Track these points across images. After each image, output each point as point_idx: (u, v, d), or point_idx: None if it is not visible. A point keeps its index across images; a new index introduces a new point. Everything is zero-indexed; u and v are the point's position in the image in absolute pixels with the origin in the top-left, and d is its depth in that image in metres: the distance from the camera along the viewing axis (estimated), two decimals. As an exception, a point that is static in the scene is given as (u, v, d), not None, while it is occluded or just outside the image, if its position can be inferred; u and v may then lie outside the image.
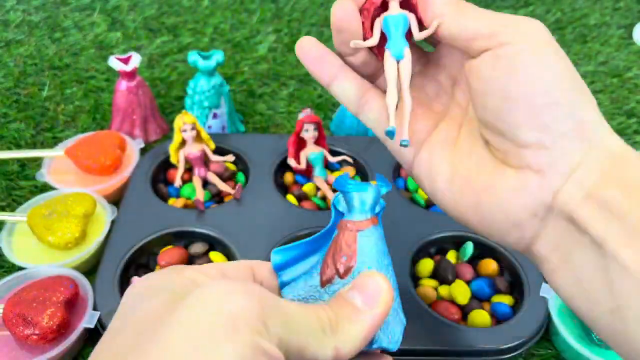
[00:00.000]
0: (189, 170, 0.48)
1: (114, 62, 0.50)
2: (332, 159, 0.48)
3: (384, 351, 0.23)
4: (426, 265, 0.41)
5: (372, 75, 0.29)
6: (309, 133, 0.46)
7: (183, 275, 0.21)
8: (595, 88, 0.63)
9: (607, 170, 0.21)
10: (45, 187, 0.47)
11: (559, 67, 0.22)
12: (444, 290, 0.40)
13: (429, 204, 0.46)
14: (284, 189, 0.47)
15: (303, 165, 0.46)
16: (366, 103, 0.28)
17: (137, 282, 0.21)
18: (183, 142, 0.46)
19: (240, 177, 0.48)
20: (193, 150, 0.45)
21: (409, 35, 0.27)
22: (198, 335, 0.16)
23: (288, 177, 0.48)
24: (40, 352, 0.34)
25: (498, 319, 0.38)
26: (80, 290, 0.37)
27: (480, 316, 0.38)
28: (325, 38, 0.71)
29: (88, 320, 0.35)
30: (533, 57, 0.22)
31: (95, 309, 0.36)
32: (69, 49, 0.68)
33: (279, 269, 0.24)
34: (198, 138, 0.46)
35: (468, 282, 0.40)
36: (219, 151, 0.49)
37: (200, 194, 0.44)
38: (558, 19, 0.77)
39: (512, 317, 0.37)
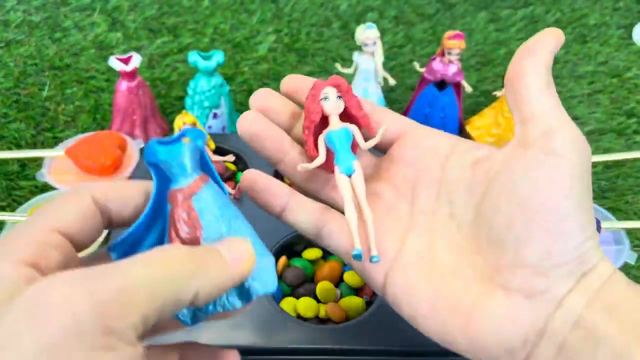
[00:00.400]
0: (189, 170, 0.48)
1: (114, 63, 0.50)
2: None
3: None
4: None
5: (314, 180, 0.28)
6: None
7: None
8: (595, 88, 0.63)
9: (594, 296, 0.21)
10: (46, 187, 0.47)
11: (584, 195, 0.22)
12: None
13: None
14: (284, 189, 0.47)
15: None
16: (324, 226, 0.27)
17: None
18: (183, 142, 0.46)
19: (240, 177, 0.48)
20: (193, 150, 0.46)
21: (354, 146, 0.26)
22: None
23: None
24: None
25: None
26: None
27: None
28: (325, 38, 0.72)
29: (88, 320, 0.35)
30: (570, 179, 0.22)
31: (95, 308, 0.36)
32: (69, 49, 0.68)
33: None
34: (198, 138, 0.46)
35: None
36: (219, 151, 0.49)
37: (200, 194, 0.44)
38: (558, 19, 0.77)
39: None
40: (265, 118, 0.28)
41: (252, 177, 0.27)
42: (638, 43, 0.71)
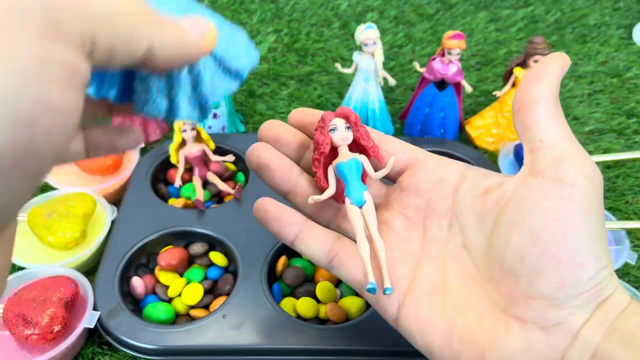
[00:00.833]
0: (189, 170, 0.48)
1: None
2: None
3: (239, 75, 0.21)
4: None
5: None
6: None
7: None
8: (595, 88, 0.63)
9: (611, 327, 0.21)
10: (46, 187, 0.47)
11: (597, 224, 0.22)
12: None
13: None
14: (284, 189, 0.47)
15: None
16: (335, 256, 0.27)
17: None
18: (183, 142, 0.46)
19: (240, 177, 0.48)
20: (193, 150, 0.46)
21: (364, 176, 0.26)
22: None
23: (288, 177, 0.48)
24: (40, 352, 0.34)
25: None
26: (80, 290, 0.37)
27: None
28: (325, 38, 0.71)
29: (88, 320, 0.35)
30: (582, 208, 0.21)
31: (95, 309, 0.36)
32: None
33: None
34: (198, 138, 0.46)
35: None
36: (219, 151, 0.49)
37: (200, 194, 0.44)
38: (558, 19, 0.77)
39: None
40: (274, 149, 0.28)
41: (264, 205, 0.28)
42: (638, 43, 0.71)
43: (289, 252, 0.42)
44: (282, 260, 0.40)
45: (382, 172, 0.26)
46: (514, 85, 0.52)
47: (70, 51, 0.14)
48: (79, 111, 0.15)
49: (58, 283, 0.36)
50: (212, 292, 0.39)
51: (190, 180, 0.47)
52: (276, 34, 0.72)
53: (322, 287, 0.38)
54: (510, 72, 0.52)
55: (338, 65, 0.53)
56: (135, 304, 0.38)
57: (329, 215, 0.28)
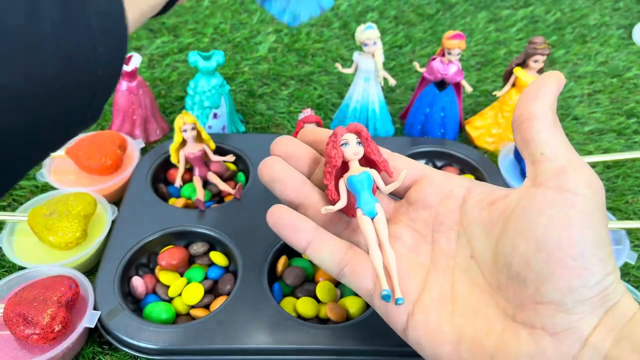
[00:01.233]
0: (189, 170, 0.48)
1: (114, 62, 0.50)
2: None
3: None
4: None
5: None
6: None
7: None
8: (595, 88, 0.63)
9: (621, 334, 0.21)
10: (46, 187, 0.47)
11: (601, 230, 0.22)
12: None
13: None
14: (284, 189, 0.47)
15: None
16: (346, 265, 0.27)
17: None
18: (183, 142, 0.46)
19: (241, 177, 0.48)
20: (193, 150, 0.46)
21: (373, 190, 0.27)
22: None
23: (288, 177, 0.48)
24: (40, 352, 0.34)
25: None
26: (80, 290, 0.37)
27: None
28: (325, 38, 0.72)
29: (88, 319, 0.35)
30: (585, 215, 0.22)
31: (95, 308, 0.36)
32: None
33: None
34: (198, 138, 0.46)
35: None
36: (219, 151, 0.49)
37: (200, 194, 0.44)
38: (557, 19, 0.77)
39: None
40: (286, 163, 0.29)
41: (278, 213, 0.28)
42: (638, 43, 0.71)
43: (290, 252, 0.42)
44: (283, 260, 0.40)
45: (394, 185, 0.27)
46: (513, 85, 0.52)
47: None
48: None
49: (58, 283, 0.36)
50: (212, 292, 0.39)
51: (191, 180, 0.47)
52: (276, 34, 0.72)
53: (323, 287, 0.38)
54: (510, 72, 0.52)
55: (338, 65, 0.53)
56: (135, 304, 0.38)
57: (339, 229, 0.29)
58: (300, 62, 0.67)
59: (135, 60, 0.51)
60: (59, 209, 0.40)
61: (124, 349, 0.35)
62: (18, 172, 0.19)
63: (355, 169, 0.27)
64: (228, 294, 0.38)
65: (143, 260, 0.41)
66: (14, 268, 0.41)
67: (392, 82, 0.53)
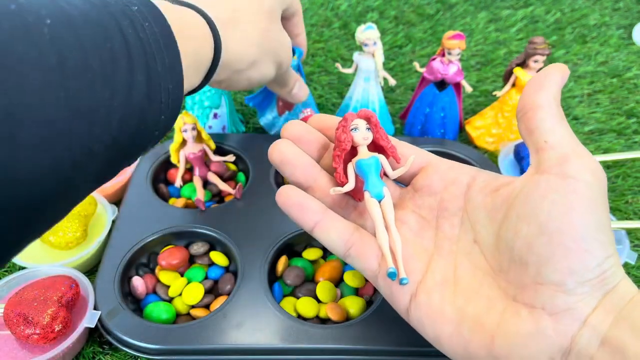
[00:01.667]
0: (189, 170, 0.48)
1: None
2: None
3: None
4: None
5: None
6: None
7: None
8: (595, 88, 0.63)
9: (620, 315, 0.21)
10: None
11: (602, 215, 0.23)
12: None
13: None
14: (284, 189, 0.47)
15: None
16: (352, 246, 0.28)
17: None
18: (184, 142, 0.46)
19: (241, 177, 0.48)
20: (193, 150, 0.46)
21: (381, 176, 0.28)
22: None
23: (288, 177, 0.48)
24: (41, 352, 0.34)
25: None
26: (81, 290, 0.37)
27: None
28: (325, 38, 0.72)
29: (89, 319, 0.35)
30: (587, 200, 0.22)
31: (95, 308, 0.36)
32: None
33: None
34: (199, 138, 0.46)
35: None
36: (219, 151, 0.49)
37: (200, 194, 0.44)
38: (558, 19, 0.77)
39: None
40: (295, 146, 0.30)
41: (286, 192, 0.29)
42: (638, 43, 0.71)
43: (290, 252, 0.42)
44: (283, 260, 0.40)
45: (401, 170, 0.28)
46: (513, 85, 0.52)
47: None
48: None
49: (59, 283, 0.36)
50: (212, 291, 0.39)
51: (191, 180, 0.47)
52: (276, 34, 0.72)
53: (323, 287, 0.38)
54: (510, 72, 0.52)
55: (338, 66, 0.53)
56: (135, 304, 0.38)
57: (347, 212, 0.30)
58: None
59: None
60: (59, 209, 0.40)
61: (124, 348, 0.35)
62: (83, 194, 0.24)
63: (364, 153, 0.28)
64: (228, 294, 0.38)
65: (143, 260, 0.41)
66: (14, 268, 0.42)
67: (392, 82, 0.53)
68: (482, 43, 0.72)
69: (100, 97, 0.21)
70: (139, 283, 0.39)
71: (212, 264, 0.41)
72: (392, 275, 0.26)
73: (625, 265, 0.43)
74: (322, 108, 0.60)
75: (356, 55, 0.51)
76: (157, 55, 0.24)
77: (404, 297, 0.26)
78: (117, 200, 0.47)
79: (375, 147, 0.29)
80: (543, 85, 0.25)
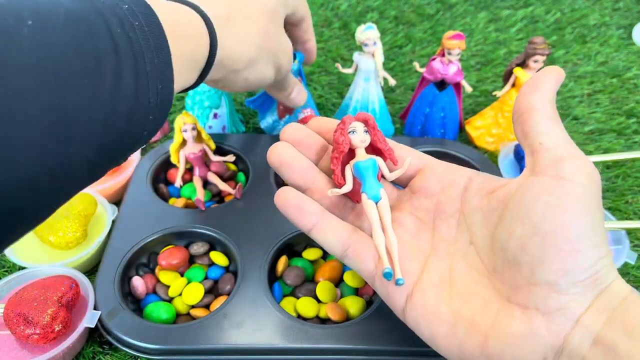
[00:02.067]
0: (189, 170, 0.48)
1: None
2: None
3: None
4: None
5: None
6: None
7: None
8: (594, 88, 0.63)
9: (612, 315, 0.22)
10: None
11: (596, 217, 0.23)
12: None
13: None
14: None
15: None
16: (349, 247, 0.28)
17: None
18: (184, 142, 0.46)
19: (241, 177, 0.48)
20: (193, 150, 0.46)
21: (378, 178, 0.28)
22: None
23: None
24: (41, 352, 0.34)
25: None
26: (81, 290, 0.37)
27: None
28: (325, 38, 0.72)
29: (89, 319, 0.35)
30: (581, 202, 0.23)
31: (95, 308, 0.36)
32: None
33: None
34: (199, 138, 0.46)
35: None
36: (219, 151, 0.49)
37: (200, 194, 0.44)
38: (557, 19, 0.77)
39: None
40: (294, 149, 0.30)
41: (285, 194, 0.29)
42: (638, 43, 0.71)
43: (290, 252, 0.42)
44: (283, 260, 0.40)
45: (398, 172, 0.29)
46: (513, 85, 0.52)
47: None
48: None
49: (59, 283, 0.36)
50: (212, 291, 0.39)
51: (191, 180, 0.47)
52: (276, 34, 0.72)
53: (323, 287, 0.38)
54: (510, 72, 0.52)
55: (338, 66, 0.53)
56: (135, 304, 0.38)
57: (344, 213, 0.30)
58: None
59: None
60: (59, 209, 0.40)
61: (124, 348, 0.35)
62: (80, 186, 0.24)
63: (361, 155, 0.28)
64: (228, 294, 0.38)
65: (143, 260, 0.41)
66: (14, 268, 0.42)
67: (392, 82, 0.53)
68: (482, 43, 0.72)
69: (82, 98, 0.20)
70: (139, 283, 0.39)
71: (212, 264, 0.41)
72: (387, 276, 0.26)
73: (625, 265, 0.43)
74: (322, 108, 0.60)
75: (356, 55, 0.51)
76: (147, 54, 0.24)
77: (400, 297, 0.27)
78: (117, 200, 0.47)
79: (372, 149, 0.29)
80: (538, 88, 0.25)
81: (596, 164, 0.53)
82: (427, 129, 0.54)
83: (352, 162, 0.29)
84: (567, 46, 0.71)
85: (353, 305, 0.37)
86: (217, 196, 0.47)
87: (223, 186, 0.46)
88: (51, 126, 0.19)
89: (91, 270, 0.42)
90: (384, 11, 0.78)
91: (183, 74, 0.28)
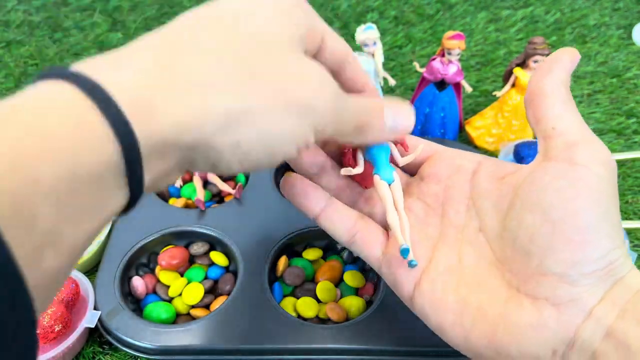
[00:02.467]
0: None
1: (114, 63, 0.50)
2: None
3: None
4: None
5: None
6: None
7: None
8: (594, 88, 0.63)
9: (626, 307, 0.21)
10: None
11: (610, 205, 0.22)
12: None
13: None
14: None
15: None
16: (357, 233, 0.28)
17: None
18: (183, 142, 0.46)
19: (241, 177, 0.48)
20: (193, 150, 0.46)
21: (391, 161, 0.28)
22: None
23: (288, 177, 0.48)
24: (41, 352, 0.34)
25: None
26: (81, 290, 0.37)
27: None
28: (325, 38, 0.72)
29: (89, 319, 0.35)
30: (595, 189, 0.22)
31: (95, 308, 0.36)
32: (69, 50, 0.68)
33: None
34: (198, 138, 0.46)
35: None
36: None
37: (200, 194, 0.44)
38: (557, 20, 0.77)
39: None
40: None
41: (292, 180, 0.28)
42: (638, 43, 0.71)
43: (290, 252, 0.42)
44: (283, 260, 0.40)
45: (410, 157, 0.28)
46: (513, 85, 0.52)
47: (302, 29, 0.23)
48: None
49: (59, 283, 0.36)
50: (212, 291, 0.39)
51: (191, 180, 0.47)
52: (276, 34, 0.72)
53: (323, 287, 0.38)
54: (510, 73, 0.52)
55: (338, 66, 0.53)
56: (135, 304, 0.38)
57: (353, 199, 0.29)
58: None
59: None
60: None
61: (124, 348, 0.35)
62: None
63: None
64: (228, 294, 0.38)
65: (143, 260, 0.41)
66: (14, 268, 0.41)
67: (392, 82, 0.53)
68: (482, 43, 0.72)
69: None
70: (139, 283, 0.39)
71: (212, 264, 0.41)
72: (404, 252, 0.25)
73: (625, 265, 0.43)
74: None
75: (356, 56, 0.51)
76: None
77: (408, 285, 0.26)
78: (117, 200, 0.47)
79: None
80: (551, 70, 0.24)
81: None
82: (427, 129, 0.54)
83: (364, 146, 0.28)
84: (567, 46, 0.71)
85: (353, 305, 0.37)
86: (217, 196, 0.47)
87: (223, 186, 0.46)
88: None
89: (91, 270, 0.42)
90: (384, 11, 0.78)
91: (75, 204, 0.15)
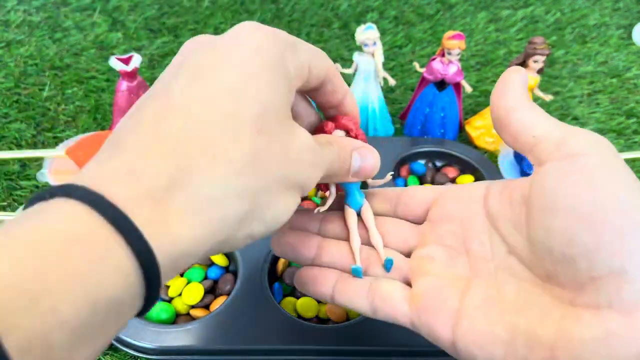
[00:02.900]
0: (189, 170, 0.48)
1: (114, 63, 0.50)
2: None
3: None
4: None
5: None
6: None
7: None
8: (594, 88, 0.63)
9: None
10: (46, 187, 0.47)
11: (629, 177, 0.20)
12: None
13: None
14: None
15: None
16: (374, 298, 0.26)
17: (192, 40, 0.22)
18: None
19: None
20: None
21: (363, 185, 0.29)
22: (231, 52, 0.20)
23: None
24: (41, 352, 0.34)
25: None
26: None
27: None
28: (325, 38, 0.72)
29: (89, 319, 0.35)
30: (610, 171, 0.20)
31: (96, 308, 0.36)
32: (69, 49, 0.68)
33: None
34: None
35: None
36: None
37: (200, 194, 0.44)
38: (557, 19, 0.77)
39: None
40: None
41: (304, 273, 0.28)
42: (638, 43, 0.71)
43: (289, 252, 0.42)
44: (283, 260, 0.40)
45: (380, 182, 0.29)
46: (513, 85, 0.52)
47: (289, 79, 0.22)
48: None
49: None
50: (212, 291, 0.39)
51: (191, 180, 0.47)
52: (276, 34, 0.72)
53: (323, 287, 0.38)
54: (510, 72, 0.52)
55: (338, 66, 0.53)
56: (135, 304, 0.38)
57: (310, 226, 0.29)
58: (300, 62, 0.67)
59: (135, 61, 0.51)
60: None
61: (124, 348, 0.35)
62: None
63: None
64: (228, 294, 0.38)
65: (143, 260, 0.41)
66: (14, 268, 0.41)
67: (392, 82, 0.53)
68: (482, 43, 0.72)
69: None
70: (139, 283, 0.39)
71: (212, 264, 0.41)
72: (357, 272, 0.26)
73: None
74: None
75: (356, 56, 0.51)
76: None
77: (445, 328, 0.23)
78: (117, 200, 0.47)
79: None
80: (506, 90, 0.23)
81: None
82: (427, 129, 0.54)
83: None
84: (567, 46, 0.71)
85: (353, 305, 0.37)
86: (217, 196, 0.47)
87: (223, 186, 0.46)
88: None
89: (91, 270, 0.42)
90: (384, 11, 0.78)
91: (94, 334, 0.16)
